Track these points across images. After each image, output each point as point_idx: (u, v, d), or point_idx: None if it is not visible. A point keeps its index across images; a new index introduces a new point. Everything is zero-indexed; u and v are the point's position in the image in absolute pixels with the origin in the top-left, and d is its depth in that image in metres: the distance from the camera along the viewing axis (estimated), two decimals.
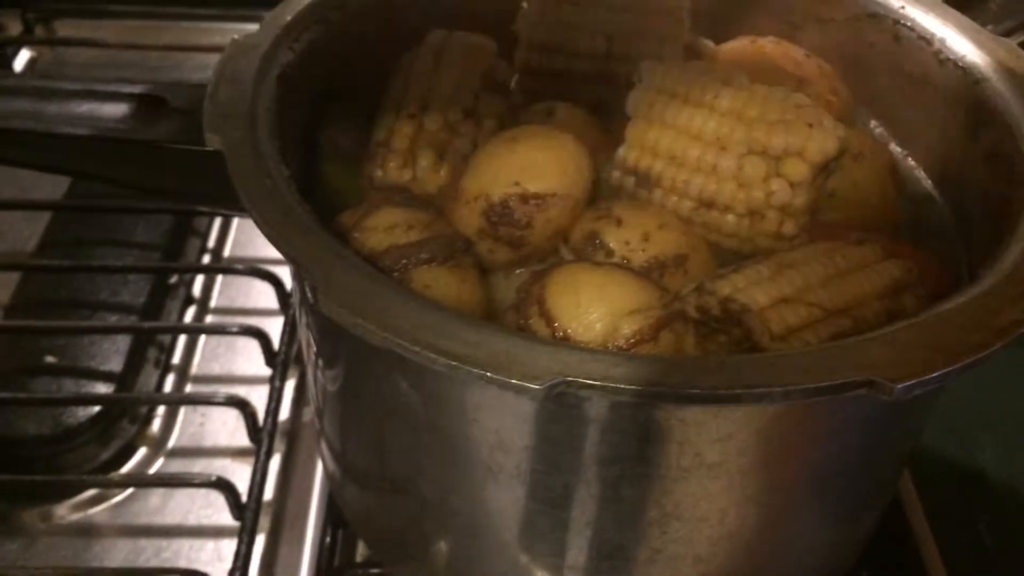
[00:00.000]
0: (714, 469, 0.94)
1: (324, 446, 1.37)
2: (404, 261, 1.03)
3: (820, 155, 1.10)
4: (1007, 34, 1.82)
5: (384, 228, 1.06)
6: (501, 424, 0.94)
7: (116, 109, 1.19)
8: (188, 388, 1.71)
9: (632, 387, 0.79)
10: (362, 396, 1.14)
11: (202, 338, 1.73)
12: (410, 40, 1.36)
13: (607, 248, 1.08)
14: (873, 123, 1.45)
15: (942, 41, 1.31)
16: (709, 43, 1.42)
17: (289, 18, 1.27)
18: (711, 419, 0.89)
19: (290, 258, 0.94)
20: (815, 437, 1.00)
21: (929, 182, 1.37)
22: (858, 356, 0.84)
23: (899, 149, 1.41)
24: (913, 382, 0.82)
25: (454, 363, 0.81)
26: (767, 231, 1.12)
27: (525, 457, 0.96)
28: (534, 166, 1.10)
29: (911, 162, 1.40)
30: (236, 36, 1.23)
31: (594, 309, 0.92)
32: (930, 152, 1.36)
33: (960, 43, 1.29)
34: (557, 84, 1.39)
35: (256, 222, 0.98)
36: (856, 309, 0.99)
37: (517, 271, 1.15)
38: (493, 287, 1.13)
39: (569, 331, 0.92)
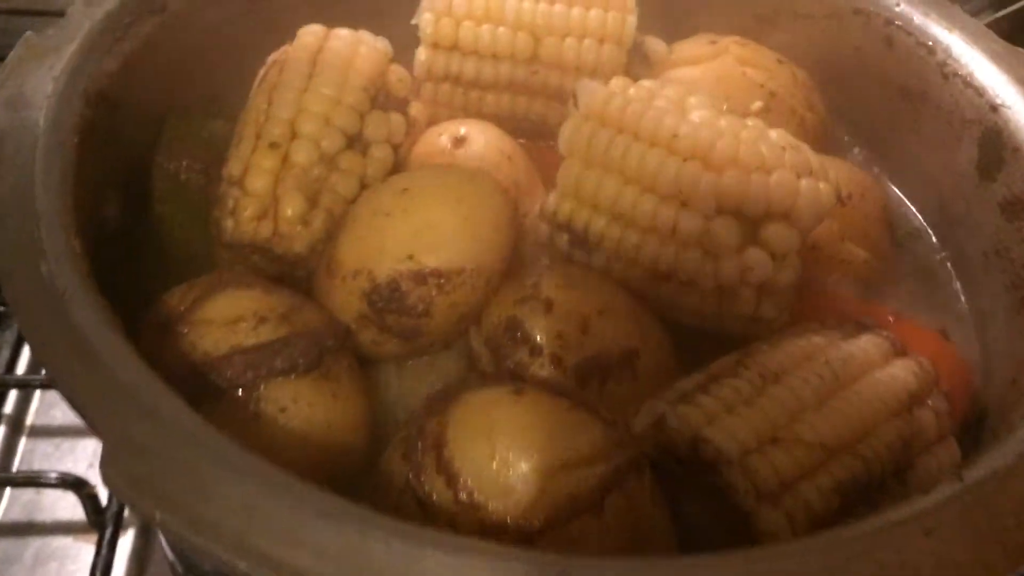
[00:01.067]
0: None
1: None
2: (250, 373, 0.74)
3: (813, 218, 0.84)
4: (975, 14, 1.60)
5: (225, 322, 0.77)
6: None
7: None
8: (21, 445, 1.39)
9: None
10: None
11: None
12: (283, 34, 1.05)
13: (532, 344, 0.81)
14: (848, 138, 1.20)
15: (948, 50, 1.05)
16: (659, 44, 1.14)
17: (110, 7, 0.95)
18: None
19: (64, 396, 0.64)
20: None
21: (921, 219, 1.13)
22: (889, 556, 0.59)
23: (886, 179, 1.16)
24: None
25: None
26: (740, 313, 0.86)
27: None
28: (434, 230, 0.81)
29: (898, 192, 1.15)
30: (29, 33, 0.91)
31: (514, 463, 0.65)
32: (927, 187, 1.11)
33: (971, 55, 1.03)
34: (468, 96, 1.10)
35: (24, 334, 0.68)
36: (866, 441, 0.74)
37: (410, 362, 0.87)
38: (379, 385, 0.85)
39: (477, 495, 0.65)
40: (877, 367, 0.81)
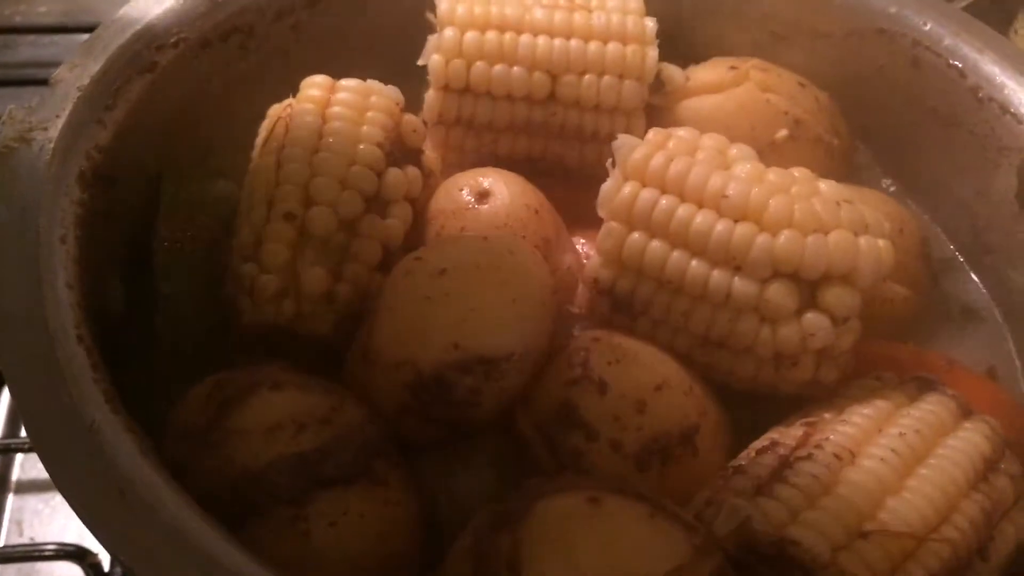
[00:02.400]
0: None
1: None
2: (295, 487, 0.69)
3: (874, 277, 0.79)
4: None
5: (262, 430, 0.71)
6: None
7: None
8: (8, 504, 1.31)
9: None
10: None
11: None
12: (281, 83, 0.97)
13: (588, 429, 0.76)
14: (872, 164, 1.15)
15: (981, 73, 1.01)
16: (676, 71, 1.08)
17: (95, 70, 0.87)
18: None
19: (101, 541, 0.58)
20: None
21: (952, 248, 1.09)
22: None
23: (912, 205, 1.12)
24: None
25: None
26: (798, 379, 0.82)
27: None
28: (480, 315, 0.75)
29: (927, 220, 1.11)
30: (12, 108, 0.82)
31: None
32: (959, 215, 1.07)
33: (1009, 78, 0.99)
34: (481, 140, 1.03)
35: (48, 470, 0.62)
36: (950, 521, 0.70)
37: (453, 447, 0.82)
38: (421, 474, 0.79)
39: None
40: (948, 433, 0.77)
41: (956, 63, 1.03)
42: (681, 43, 1.16)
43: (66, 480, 0.60)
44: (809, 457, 0.72)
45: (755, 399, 0.86)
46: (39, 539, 1.14)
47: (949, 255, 1.09)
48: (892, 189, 1.13)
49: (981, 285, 1.05)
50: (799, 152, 1.05)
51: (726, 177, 0.81)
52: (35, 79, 0.92)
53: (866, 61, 1.10)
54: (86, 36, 0.91)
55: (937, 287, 1.04)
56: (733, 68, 1.10)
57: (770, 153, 1.05)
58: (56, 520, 1.17)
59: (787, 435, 0.78)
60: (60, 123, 0.81)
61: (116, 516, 0.59)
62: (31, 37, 1.49)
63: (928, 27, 1.05)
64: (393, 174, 0.92)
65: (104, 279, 0.82)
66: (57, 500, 1.19)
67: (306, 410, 0.72)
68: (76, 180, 0.79)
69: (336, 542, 0.69)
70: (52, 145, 0.79)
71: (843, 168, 1.10)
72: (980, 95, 1.01)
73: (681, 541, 0.65)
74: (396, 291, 0.78)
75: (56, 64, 0.89)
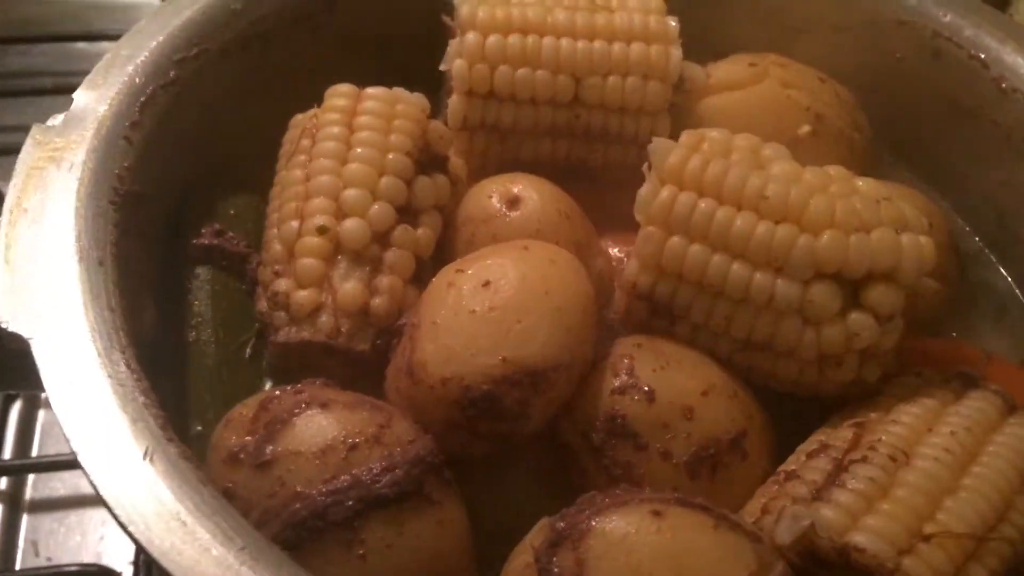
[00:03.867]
0: None
1: None
2: (350, 509, 0.68)
3: (917, 274, 0.79)
4: None
5: (312, 452, 0.70)
6: None
7: None
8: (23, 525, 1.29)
9: None
10: None
11: None
12: (302, 91, 0.96)
13: (637, 439, 0.76)
14: (892, 157, 1.15)
15: (1005, 64, 1.01)
16: (697, 70, 1.07)
17: (119, 86, 0.85)
18: None
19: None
20: None
21: (977, 240, 1.09)
22: None
23: (936, 196, 1.11)
24: None
25: None
26: (841, 380, 0.81)
27: None
28: (526, 327, 0.74)
29: (951, 212, 1.11)
30: (36, 129, 0.81)
31: None
32: (983, 206, 1.07)
33: None
34: (505, 144, 1.02)
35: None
36: (1008, 519, 0.70)
37: (498, 459, 0.81)
38: (469, 489, 0.78)
39: None
40: (996, 429, 0.77)
41: (978, 54, 1.03)
42: (698, 39, 1.15)
43: (125, 512, 0.59)
44: (864, 460, 0.71)
45: (802, 403, 0.86)
46: (56, 560, 1.12)
47: (975, 248, 1.09)
48: (916, 182, 1.13)
49: (1008, 276, 1.05)
50: (821, 148, 1.04)
51: (764, 178, 0.81)
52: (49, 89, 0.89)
53: (885, 54, 1.10)
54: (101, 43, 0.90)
55: (966, 279, 1.04)
56: (753, 65, 1.09)
57: (792, 149, 1.04)
58: (72, 539, 1.14)
59: (836, 437, 0.77)
60: (87, 142, 0.80)
61: (182, 551, 0.57)
62: (44, 46, 1.46)
63: (948, 18, 1.05)
64: (422, 183, 0.91)
65: (140, 299, 0.80)
66: (72, 519, 1.17)
67: (356, 429, 0.71)
68: (109, 200, 0.77)
69: (393, 564, 0.68)
70: (79, 165, 0.78)
71: (865, 163, 1.09)
72: (1004, 85, 1.01)
73: (747, 551, 0.65)
74: (439, 304, 0.77)
75: (74, 73, 0.87)
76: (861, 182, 0.83)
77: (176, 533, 0.58)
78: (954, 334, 0.99)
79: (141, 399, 0.65)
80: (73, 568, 1.14)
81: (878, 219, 0.79)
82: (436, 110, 1.01)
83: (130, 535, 0.58)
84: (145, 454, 0.61)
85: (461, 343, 0.75)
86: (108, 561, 1.10)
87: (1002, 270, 1.06)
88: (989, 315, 1.03)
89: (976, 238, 1.09)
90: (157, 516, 0.58)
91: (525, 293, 0.76)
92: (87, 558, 1.10)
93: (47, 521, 1.22)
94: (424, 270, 0.90)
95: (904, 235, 0.79)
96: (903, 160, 1.14)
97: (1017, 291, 1.04)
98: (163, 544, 0.57)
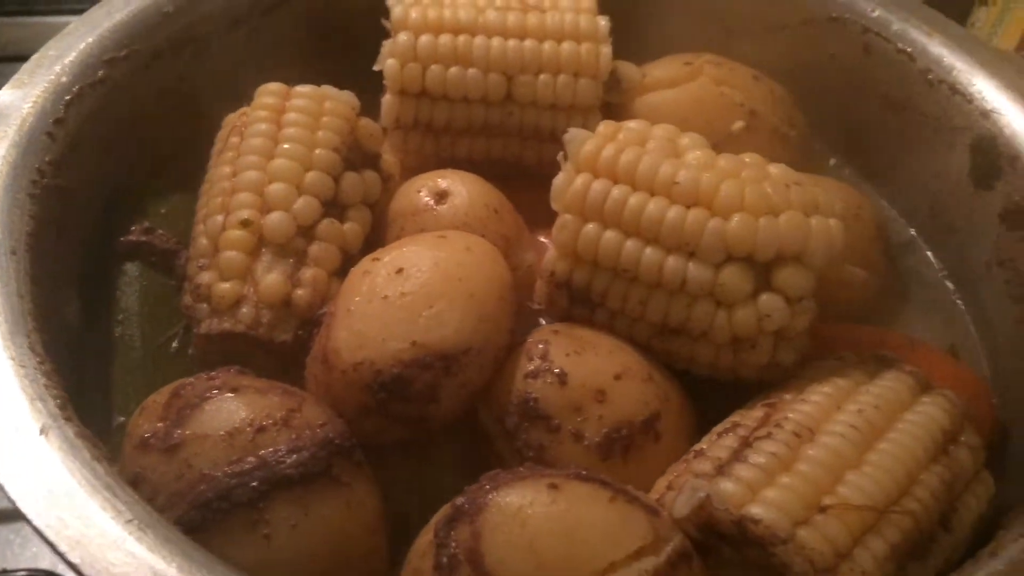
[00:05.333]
0: None
1: None
2: (255, 490, 0.68)
3: (826, 257, 0.80)
4: None
5: (220, 435, 0.70)
6: None
7: None
8: None
9: None
10: None
11: None
12: (238, 92, 0.97)
13: (549, 421, 0.76)
14: (829, 151, 1.16)
15: (930, 56, 1.02)
16: (632, 68, 1.09)
17: (45, 84, 0.87)
18: None
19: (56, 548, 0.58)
20: None
21: (912, 231, 1.10)
22: None
23: (871, 189, 1.12)
24: None
25: None
26: (756, 362, 0.82)
27: None
28: (437, 312, 0.75)
29: (884, 203, 1.12)
30: None
31: (563, 572, 0.60)
32: (916, 197, 1.08)
33: (957, 60, 1.00)
34: (440, 143, 1.04)
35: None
36: (911, 493, 0.71)
37: (418, 444, 0.81)
38: (387, 473, 0.79)
39: None
40: (907, 408, 0.77)
41: (906, 48, 1.04)
42: (637, 42, 1.17)
43: (16, 486, 0.60)
44: (768, 436, 0.72)
45: (725, 388, 0.86)
46: (11, 568, 1.13)
47: (908, 237, 1.10)
48: (850, 175, 1.14)
49: (940, 264, 1.06)
50: (756, 143, 1.05)
51: (676, 165, 0.82)
52: None
53: (818, 50, 1.11)
54: None
55: (896, 269, 1.04)
56: (688, 63, 1.10)
57: (728, 145, 1.05)
58: (28, 550, 1.15)
59: (748, 416, 0.78)
60: (8, 138, 0.81)
61: (67, 523, 0.58)
62: None
63: (877, 13, 1.06)
64: (350, 178, 0.93)
65: (60, 290, 0.81)
66: (28, 529, 1.18)
67: (265, 412, 0.72)
68: (28, 193, 0.79)
69: (298, 544, 0.68)
70: (1, 159, 0.79)
71: (801, 157, 1.10)
72: (930, 77, 1.02)
73: (642, 523, 0.65)
74: (354, 292, 0.78)
75: None
76: (774, 168, 0.84)
77: (65, 507, 0.59)
78: (885, 322, 1.00)
79: (42, 380, 0.65)
80: (22, 573, 1.15)
81: (787, 203, 0.80)
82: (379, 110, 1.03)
83: (19, 509, 0.58)
84: (41, 431, 0.62)
85: (374, 329, 0.75)
86: (63, 569, 1.11)
87: (933, 259, 1.07)
88: (920, 303, 1.03)
89: (911, 229, 1.10)
90: (48, 491, 0.59)
91: (438, 279, 0.77)
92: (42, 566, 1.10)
93: (4, 532, 1.23)
94: (353, 263, 0.91)
95: (813, 218, 0.80)
96: (839, 154, 1.15)
97: (947, 280, 1.05)
98: (50, 517, 0.58)
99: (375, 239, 0.95)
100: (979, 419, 0.86)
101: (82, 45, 0.89)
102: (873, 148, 1.11)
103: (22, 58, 1.01)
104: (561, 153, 0.85)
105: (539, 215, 1.00)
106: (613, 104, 1.09)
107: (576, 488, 0.66)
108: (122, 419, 0.83)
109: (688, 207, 0.80)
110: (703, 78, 1.09)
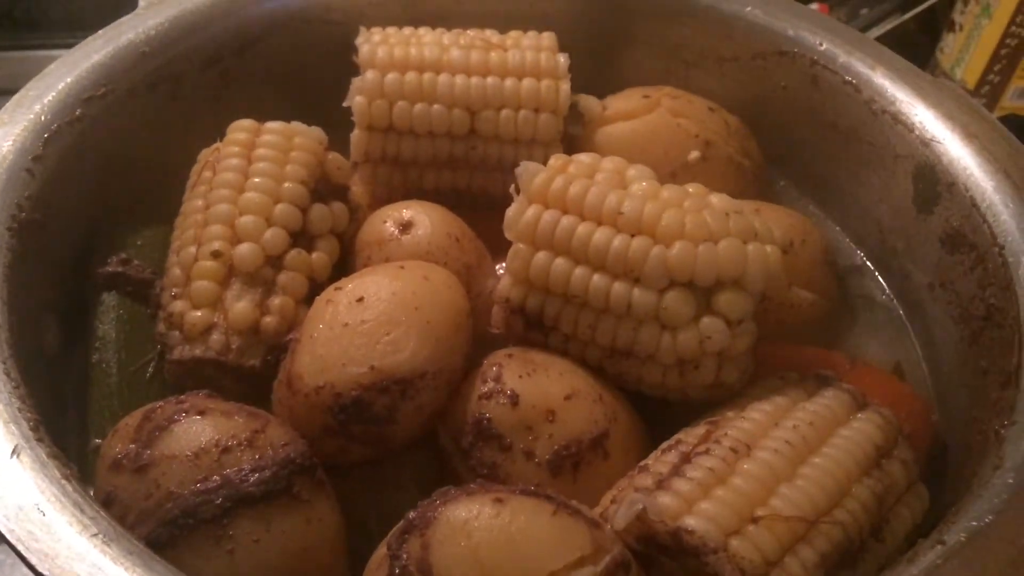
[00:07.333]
0: None
1: None
2: (218, 507, 0.72)
3: (763, 281, 0.84)
4: (883, 17, 1.64)
5: (187, 456, 0.74)
6: None
7: None
8: None
9: None
10: None
11: None
12: (213, 128, 1.02)
13: (502, 440, 0.80)
14: (783, 180, 1.21)
15: (874, 87, 1.07)
16: (593, 101, 1.14)
17: (25, 122, 0.91)
18: None
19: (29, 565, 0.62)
20: None
21: (862, 255, 1.15)
22: None
23: (823, 216, 1.17)
24: None
25: None
26: (702, 382, 0.86)
27: None
28: (392, 336, 0.80)
29: (836, 229, 1.17)
30: None
31: None
32: (865, 223, 1.12)
33: (898, 91, 1.05)
34: (407, 175, 1.08)
35: None
36: (842, 505, 0.74)
37: (380, 464, 0.85)
38: (350, 492, 0.83)
39: None
40: (842, 424, 0.81)
41: (850, 79, 1.09)
42: (599, 76, 1.22)
43: None
44: (707, 452, 0.76)
45: (676, 408, 0.90)
46: None
47: (859, 261, 1.14)
48: (802, 202, 1.19)
49: (887, 286, 1.10)
50: (712, 173, 1.10)
51: (622, 195, 0.86)
52: None
53: (770, 83, 1.17)
54: None
55: (845, 291, 1.09)
56: (646, 96, 1.15)
57: (684, 175, 1.11)
58: (19, 569, 1.19)
59: (691, 434, 0.82)
60: None
61: (37, 536, 0.62)
62: None
63: (824, 47, 1.11)
64: (318, 210, 0.97)
65: (38, 318, 0.85)
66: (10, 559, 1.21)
67: (230, 433, 0.76)
68: (7, 227, 0.83)
69: (260, 559, 0.72)
70: None
71: (756, 186, 1.15)
72: (874, 108, 1.07)
73: (583, 535, 0.69)
74: (318, 319, 0.83)
75: None
76: (715, 198, 0.88)
77: (35, 522, 0.63)
78: (833, 343, 1.04)
79: (16, 404, 0.70)
80: None
81: (726, 230, 0.84)
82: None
83: None
84: (13, 451, 0.66)
85: (334, 354, 0.80)
86: None
87: (882, 281, 1.11)
88: (869, 324, 1.07)
89: (860, 252, 1.14)
90: (18, 507, 0.63)
91: (395, 307, 0.81)
92: None
93: None
94: (322, 291, 0.95)
95: (751, 245, 0.84)
96: (792, 182, 1.20)
97: (895, 302, 1.09)
98: (21, 532, 0.62)
99: (346, 267, 1.00)
100: (917, 435, 0.90)
101: (61, 85, 0.94)
102: (824, 175, 1.16)
103: (11, 92, 1.08)
104: (513, 185, 0.90)
105: (503, 243, 1.05)
106: (575, 136, 1.14)
107: (521, 502, 0.70)
108: (98, 441, 0.87)
109: (632, 235, 0.84)
110: (661, 110, 1.14)
